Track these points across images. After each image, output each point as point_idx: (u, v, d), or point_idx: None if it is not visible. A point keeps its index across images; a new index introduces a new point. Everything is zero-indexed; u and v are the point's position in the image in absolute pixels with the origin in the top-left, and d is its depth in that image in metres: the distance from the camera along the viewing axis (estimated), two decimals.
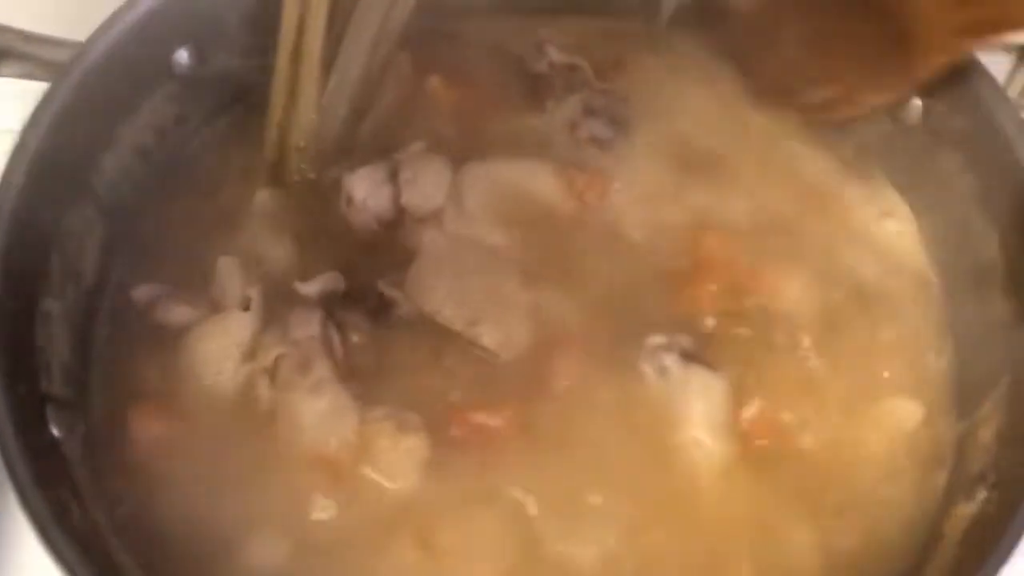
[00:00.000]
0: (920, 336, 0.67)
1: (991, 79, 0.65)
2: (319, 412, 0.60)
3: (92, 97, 0.64)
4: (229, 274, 0.66)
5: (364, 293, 0.65)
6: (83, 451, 0.58)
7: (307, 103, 0.69)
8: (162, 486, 0.59)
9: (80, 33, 0.64)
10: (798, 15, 0.70)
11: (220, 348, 0.63)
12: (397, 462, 0.59)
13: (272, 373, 0.61)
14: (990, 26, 0.60)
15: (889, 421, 0.63)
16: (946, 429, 0.63)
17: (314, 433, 0.60)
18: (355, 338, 0.64)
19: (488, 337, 0.63)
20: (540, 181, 0.70)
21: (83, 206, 0.65)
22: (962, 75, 0.65)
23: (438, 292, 0.64)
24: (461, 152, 0.70)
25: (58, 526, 0.48)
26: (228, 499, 0.58)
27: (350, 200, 0.68)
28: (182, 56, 0.69)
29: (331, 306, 0.64)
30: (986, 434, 0.59)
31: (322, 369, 0.61)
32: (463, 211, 0.68)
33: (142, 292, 0.67)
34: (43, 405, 0.56)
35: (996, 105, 0.64)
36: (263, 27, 0.69)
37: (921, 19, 0.62)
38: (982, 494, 0.56)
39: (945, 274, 0.68)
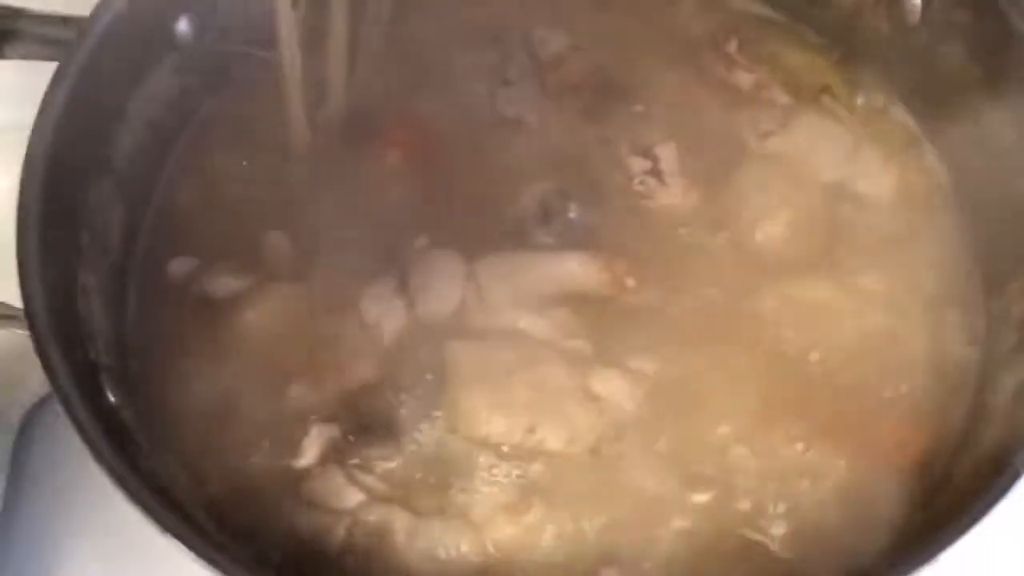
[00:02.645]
0: (943, 235, 0.68)
1: None
2: None
3: (100, 73, 0.63)
4: (279, 246, 0.67)
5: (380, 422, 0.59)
6: (136, 418, 0.58)
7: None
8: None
9: (80, 8, 0.64)
10: None
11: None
12: None
13: None
14: None
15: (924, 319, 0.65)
16: (977, 313, 0.65)
17: None
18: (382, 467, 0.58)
19: (552, 437, 0.58)
20: (571, 267, 0.65)
21: (104, 181, 0.65)
22: None
23: (481, 412, 0.59)
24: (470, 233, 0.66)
25: (135, 475, 0.48)
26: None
27: (363, 324, 0.62)
28: (183, 25, 0.69)
29: (341, 456, 0.58)
30: (1018, 309, 0.61)
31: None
32: (486, 304, 0.63)
33: (178, 265, 0.67)
34: (97, 373, 0.56)
35: None
36: None
37: None
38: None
39: (962, 174, 0.69)
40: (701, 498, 0.59)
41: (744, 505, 0.59)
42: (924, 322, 0.65)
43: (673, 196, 0.69)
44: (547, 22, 0.76)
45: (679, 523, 0.58)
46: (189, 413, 0.61)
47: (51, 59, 0.63)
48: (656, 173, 0.70)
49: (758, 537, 0.58)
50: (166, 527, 0.47)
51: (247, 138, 0.72)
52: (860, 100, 0.74)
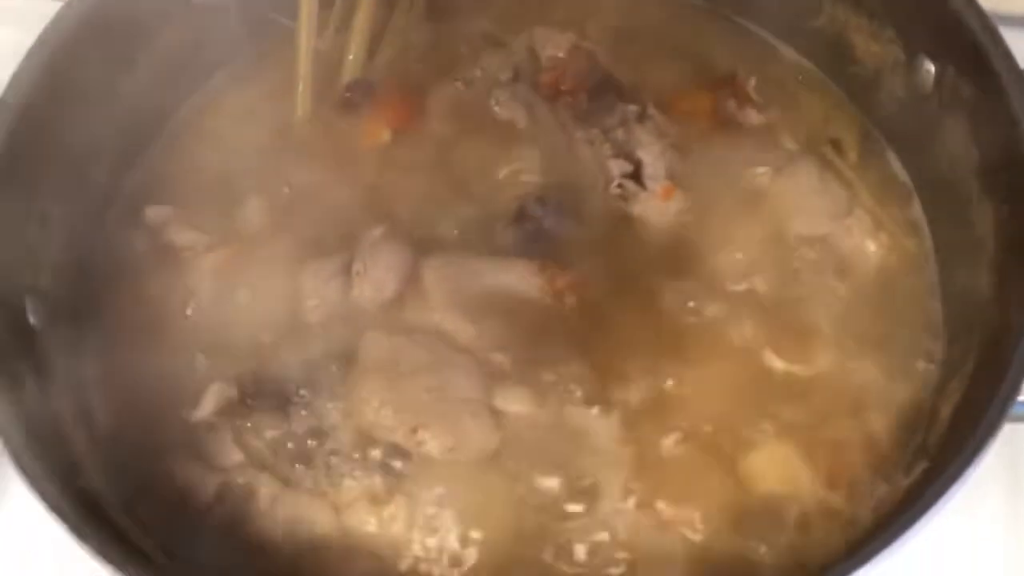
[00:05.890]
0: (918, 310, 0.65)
1: (1005, 48, 0.60)
2: None
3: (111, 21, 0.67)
4: (251, 209, 0.70)
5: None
6: (62, 346, 0.62)
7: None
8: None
9: None
10: None
11: None
12: None
13: None
14: None
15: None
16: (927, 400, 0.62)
17: None
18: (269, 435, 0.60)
19: (434, 442, 0.58)
20: (516, 278, 0.65)
21: (98, 119, 0.68)
22: (975, 42, 0.61)
23: (372, 402, 0.59)
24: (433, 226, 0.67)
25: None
26: None
27: (298, 296, 0.64)
28: None
29: (234, 418, 0.60)
30: (946, 410, 0.56)
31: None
32: (425, 301, 0.64)
33: (155, 212, 0.70)
34: (23, 296, 0.60)
35: (1007, 75, 0.59)
36: None
37: None
38: (920, 466, 0.54)
39: (941, 248, 0.65)
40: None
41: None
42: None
43: (651, 202, 0.68)
44: (560, 25, 0.75)
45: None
46: (111, 346, 0.64)
47: None
48: (636, 177, 0.68)
49: None
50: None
51: (252, 104, 0.75)
52: (865, 159, 0.70)
